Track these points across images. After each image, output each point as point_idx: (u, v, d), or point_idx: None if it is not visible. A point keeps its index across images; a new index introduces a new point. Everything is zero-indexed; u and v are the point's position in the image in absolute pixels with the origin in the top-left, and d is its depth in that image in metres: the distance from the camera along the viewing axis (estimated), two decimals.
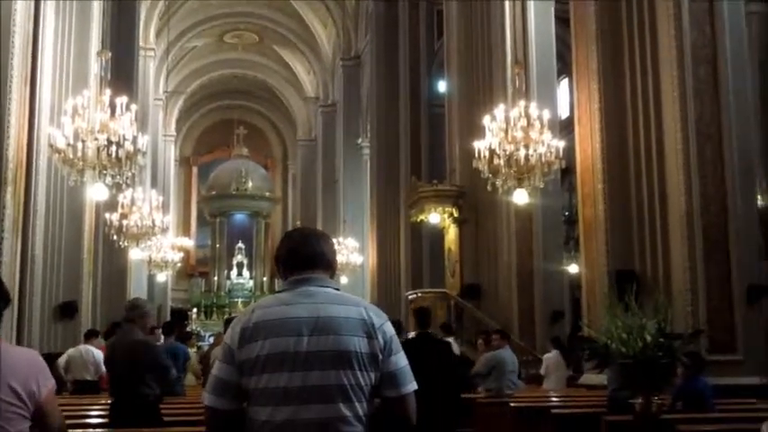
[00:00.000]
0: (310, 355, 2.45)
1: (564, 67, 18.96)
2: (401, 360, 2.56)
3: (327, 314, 2.51)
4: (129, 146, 11.32)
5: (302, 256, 2.66)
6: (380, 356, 2.51)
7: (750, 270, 10.74)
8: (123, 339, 5.97)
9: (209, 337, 26.04)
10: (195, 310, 32.39)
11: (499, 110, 12.18)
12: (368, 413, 2.50)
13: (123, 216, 18.10)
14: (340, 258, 25.61)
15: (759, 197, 14.39)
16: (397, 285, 22.10)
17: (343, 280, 26.36)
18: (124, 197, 17.75)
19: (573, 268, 19.43)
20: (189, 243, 33.21)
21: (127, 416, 5.77)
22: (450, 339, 12.80)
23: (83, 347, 11.28)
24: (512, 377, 9.58)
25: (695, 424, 5.21)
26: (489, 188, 12.71)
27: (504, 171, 11.94)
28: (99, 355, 10.99)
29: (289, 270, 2.68)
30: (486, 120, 12.19)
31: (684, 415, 5.53)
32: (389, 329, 2.59)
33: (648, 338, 4.68)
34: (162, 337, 11.98)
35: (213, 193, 36.55)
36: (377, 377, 2.52)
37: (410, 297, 18.64)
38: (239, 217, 36.49)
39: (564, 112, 19.73)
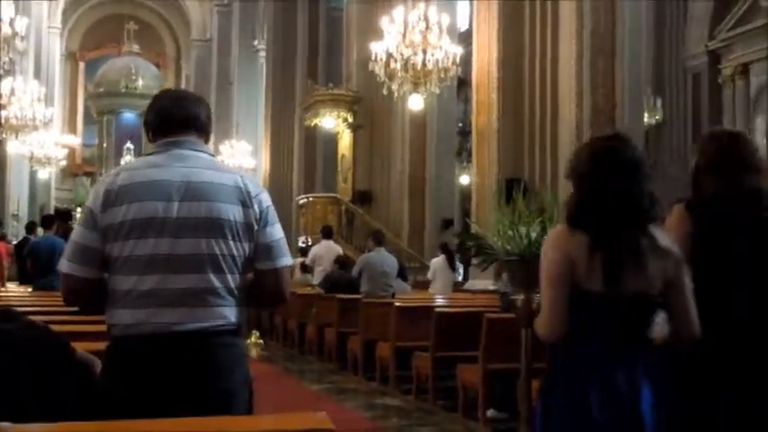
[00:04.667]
0: (180, 221, 2.29)
1: None
2: (277, 232, 2.44)
3: (200, 179, 2.34)
4: (5, 28, 10.64)
5: (174, 118, 2.44)
6: (255, 227, 2.37)
7: None
8: None
9: None
10: (80, 209, 31.47)
11: (398, 12, 11.96)
12: (240, 286, 2.37)
13: (1, 106, 17.21)
14: (233, 161, 25.16)
15: (645, 114, 14.77)
16: (289, 190, 21.91)
17: None
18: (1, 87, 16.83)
19: (464, 180, 19.65)
20: (74, 141, 32.00)
21: None
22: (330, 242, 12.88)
23: None
24: (386, 279, 9.65)
25: None
26: (385, 92, 12.58)
27: (400, 75, 11.80)
28: None
29: (160, 133, 2.46)
30: (384, 22, 11.97)
31: None
32: (266, 199, 2.45)
33: (533, 235, 4.69)
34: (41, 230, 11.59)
35: (101, 90, 35.15)
36: (251, 248, 2.38)
37: (301, 202, 18.55)
38: (128, 116, 35.23)
39: (464, 25, 19.63)
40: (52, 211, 28.82)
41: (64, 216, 28.88)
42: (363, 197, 17.84)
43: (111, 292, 2.33)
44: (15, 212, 23.73)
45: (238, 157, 24.96)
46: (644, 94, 13.07)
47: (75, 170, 35.15)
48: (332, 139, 19.61)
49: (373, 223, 16.86)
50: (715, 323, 2.50)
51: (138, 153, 33.22)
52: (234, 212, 2.33)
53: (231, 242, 2.32)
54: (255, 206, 2.38)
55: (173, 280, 2.26)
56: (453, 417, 6.50)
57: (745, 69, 17.74)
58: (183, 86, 34.88)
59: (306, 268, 13.57)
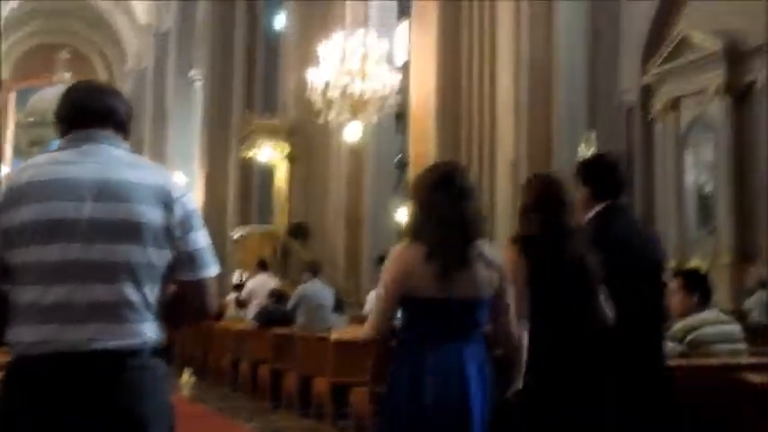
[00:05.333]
0: (93, 224, 2.02)
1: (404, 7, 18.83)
2: (201, 239, 2.17)
3: (117, 177, 2.07)
4: None
5: (88, 110, 2.17)
6: (176, 233, 2.11)
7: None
8: None
9: None
10: None
11: (336, 39, 11.87)
12: (159, 299, 2.11)
13: None
14: None
15: (582, 146, 14.87)
16: (224, 223, 21.53)
17: None
18: None
19: (402, 214, 19.54)
20: (3, 172, 31.13)
21: None
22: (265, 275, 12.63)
23: None
24: (323, 313, 9.42)
25: None
26: (322, 121, 12.45)
27: (338, 103, 11.69)
28: None
29: (73, 128, 2.18)
30: (321, 49, 11.86)
31: None
32: (190, 202, 2.17)
33: None
34: None
35: (31, 120, 34.32)
36: (172, 256, 2.12)
37: (236, 236, 18.21)
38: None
39: (402, 59, 19.68)
40: None
41: None
42: (299, 231, 17.60)
43: (12, 305, 2.04)
44: None
45: None
46: (579, 127, 13.17)
47: None
48: (268, 171, 19.36)
49: (309, 258, 16.62)
50: (546, 340, 3.00)
51: None
52: (154, 215, 2.08)
53: (150, 249, 2.07)
54: (178, 209, 2.12)
55: (82, 291, 1.99)
56: None
57: (675, 104, 18.07)
58: None
59: (240, 303, 13.24)
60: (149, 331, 2.08)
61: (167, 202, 2.10)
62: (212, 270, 2.19)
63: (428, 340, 2.77)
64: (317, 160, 17.37)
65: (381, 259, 4.04)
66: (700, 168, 17.91)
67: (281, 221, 18.23)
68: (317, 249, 16.99)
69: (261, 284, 12.39)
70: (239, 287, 14.99)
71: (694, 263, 17.18)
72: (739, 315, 13.93)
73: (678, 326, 4.59)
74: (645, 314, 3.26)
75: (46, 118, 33.68)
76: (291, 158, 17.81)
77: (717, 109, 16.95)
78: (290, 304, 9.74)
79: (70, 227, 2.01)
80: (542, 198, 3.19)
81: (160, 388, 2.11)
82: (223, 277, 20.51)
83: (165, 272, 2.11)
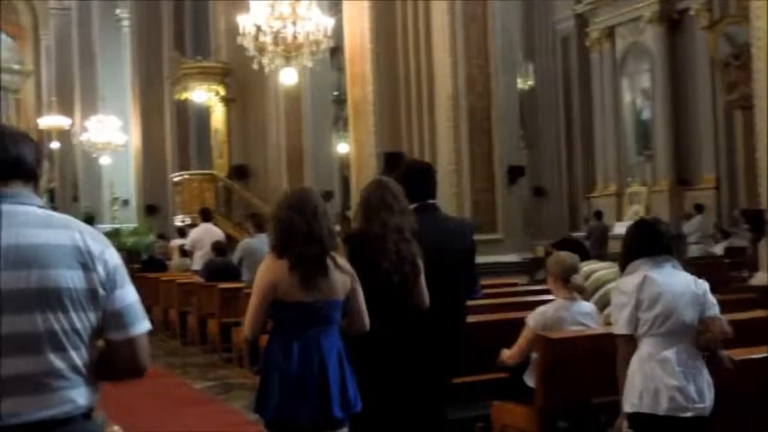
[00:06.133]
0: (6, 294, 1.89)
1: None
2: (128, 295, 2.06)
3: (29, 241, 1.94)
4: None
5: None
6: (102, 292, 2.00)
7: (509, 151, 11.10)
8: None
9: None
10: None
11: None
12: (87, 362, 2.01)
13: None
14: (100, 137, 24.09)
15: (519, 80, 14.87)
16: (163, 167, 21.15)
17: (106, 160, 25.00)
18: None
19: (342, 148, 19.44)
20: None
21: None
22: (209, 224, 12.46)
23: None
24: None
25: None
26: (256, 67, 12.17)
27: (270, 49, 11.41)
28: None
29: None
30: None
31: None
32: (113, 258, 2.06)
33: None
34: None
35: None
36: (98, 318, 2.01)
37: (176, 179, 17.93)
38: None
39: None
40: None
41: None
42: (240, 172, 17.39)
43: None
44: None
45: (107, 133, 23.94)
46: (516, 60, 13.11)
47: None
48: (204, 114, 18.99)
49: (252, 199, 16.48)
50: (374, 323, 3.52)
51: None
52: (73, 278, 1.96)
53: (73, 314, 1.95)
54: (100, 267, 2.00)
55: (4, 366, 1.89)
56: None
57: (611, 32, 18.12)
58: (42, 59, 33.27)
59: (185, 253, 13.12)
60: (80, 397, 1.98)
61: (87, 262, 1.99)
62: (143, 326, 2.08)
63: (293, 331, 3.38)
64: (253, 101, 17.08)
65: (326, 195, 4.20)
66: (637, 95, 18.13)
67: (220, 164, 17.98)
68: (259, 190, 16.85)
69: (205, 234, 12.26)
70: (183, 232, 14.86)
71: (633, 188, 17.56)
72: (679, 238, 14.33)
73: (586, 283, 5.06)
74: (449, 296, 3.85)
75: None
76: (227, 100, 17.47)
77: (651, 37, 17.09)
78: (235, 257, 9.66)
79: None
80: (363, 201, 3.75)
81: None
82: (165, 222, 20.36)
83: (92, 333, 2.02)
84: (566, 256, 4.65)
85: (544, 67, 19.28)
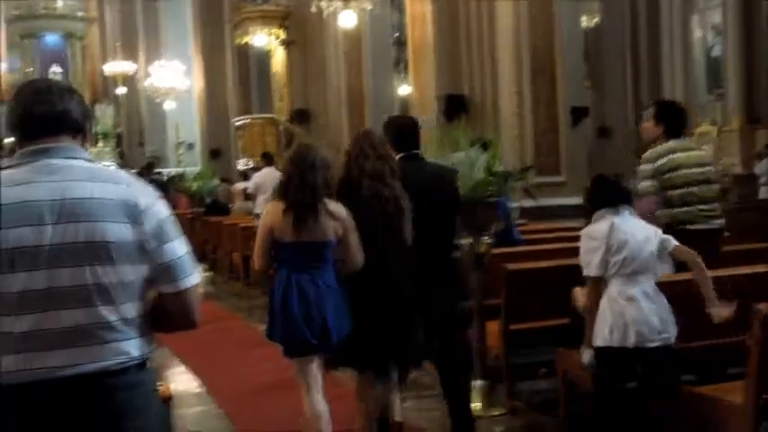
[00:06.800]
0: (56, 249, 1.90)
1: None
2: (178, 248, 2.06)
3: (77, 195, 1.94)
4: None
5: (38, 119, 2.01)
6: (150, 245, 2.00)
7: (573, 92, 10.87)
8: None
9: None
10: (8, 140, 30.34)
11: None
12: (140, 313, 2.03)
13: None
14: (165, 83, 24.29)
15: (584, 18, 14.48)
16: (225, 111, 21.29)
17: (170, 105, 25.25)
18: None
19: (403, 90, 19.27)
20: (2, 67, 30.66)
21: None
22: (272, 169, 12.49)
23: None
24: None
25: (520, 261, 5.21)
26: (314, 9, 12.07)
27: None
28: None
29: (25, 138, 2.02)
30: None
31: (507, 249, 5.57)
32: (161, 211, 2.04)
33: (479, 176, 4.48)
34: None
35: (17, 12, 33.55)
36: (148, 270, 2.01)
37: (238, 124, 18.04)
38: (51, 39, 33.68)
39: None
40: None
41: None
42: (301, 115, 17.42)
43: None
44: None
45: (171, 77, 24.12)
46: None
47: (1, 97, 33.85)
48: (264, 57, 18.99)
49: (314, 143, 16.48)
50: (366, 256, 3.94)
51: (65, 77, 32.04)
52: (122, 231, 1.96)
53: (122, 267, 1.96)
54: (148, 221, 2.00)
55: (54, 318, 1.91)
56: None
57: None
58: (106, 5, 33.52)
59: (248, 196, 13.23)
60: (133, 348, 2.01)
61: (135, 215, 1.99)
62: (193, 279, 2.09)
63: (292, 269, 3.81)
64: (313, 44, 17.00)
65: None
66: (707, 31, 17.51)
67: (281, 107, 18.01)
68: (320, 133, 16.87)
69: (267, 178, 12.30)
70: (246, 176, 14.98)
71: (703, 128, 17.07)
72: (750, 178, 13.94)
73: (647, 154, 5.13)
74: (435, 234, 4.25)
75: (33, 10, 32.99)
76: (287, 44, 17.41)
77: None
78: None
79: (32, 254, 1.89)
80: (349, 151, 4.12)
81: (152, 403, 2.06)
82: (228, 166, 20.55)
83: (143, 285, 2.02)
84: None
85: (610, 3, 18.72)
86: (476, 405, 4.94)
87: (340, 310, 3.84)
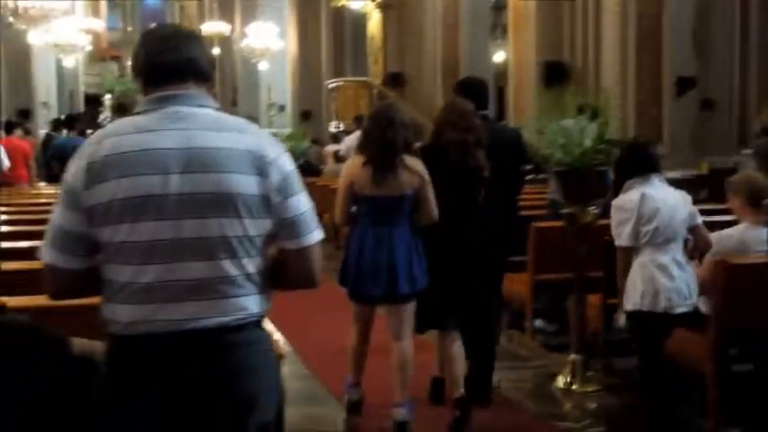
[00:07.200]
0: (183, 198, 1.85)
1: None
2: (302, 203, 1.99)
3: (204, 144, 1.88)
4: None
5: (165, 65, 1.95)
6: (275, 199, 1.93)
7: (680, 62, 10.47)
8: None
9: None
10: (109, 96, 31.07)
11: None
12: (261, 269, 1.95)
13: None
14: (259, 44, 24.44)
15: None
16: (318, 73, 21.31)
17: (264, 66, 25.41)
18: None
19: (498, 56, 18.92)
20: (99, 25, 31.32)
21: None
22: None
23: None
24: None
25: None
26: None
27: None
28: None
29: (150, 83, 1.97)
30: None
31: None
32: (287, 164, 1.98)
33: (588, 144, 4.31)
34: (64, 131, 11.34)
35: None
36: (271, 225, 1.95)
37: (331, 86, 18.02)
38: None
39: None
40: (82, 97, 28.68)
41: (93, 101, 28.65)
42: (395, 79, 17.25)
43: (106, 281, 1.92)
44: (45, 101, 23.41)
45: (265, 39, 24.25)
46: None
47: (102, 55, 34.69)
48: (359, 21, 18.87)
49: (405, 107, 16.36)
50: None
51: None
52: (248, 184, 1.89)
53: (246, 220, 1.90)
54: (274, 173, 1.93)
55: (179, 269, 1.86)
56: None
57: None
58: None
59: (339, 158, 13.23)
60: (253, 304, 1.94)
61: (262, 167, 1.92)
62: (315, 235, 2.01)
63: (370, 222, 4.06)
64: (409, 7, 16.80)
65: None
66: None
67: (375, 72, 17.90)
68: (413, 98, 16.71)
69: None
70: (337, 138, 14.99)
71: None
72: None
73: None
74: (505, 191, 4.60)
75: None
76: (384, 7, 17.24)
77: None
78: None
79: (158, 203, 1.84)
80: (438, 119, 4.35)
81: (267, 362, 2.00)
82: (320, 128, 20.62)
83: (265, 241, 1.96)
84: (756, 176, 4.32)
85: None
86: (568, 379, 4.82)
87: (414, 262, 4.04)
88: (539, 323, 5.89)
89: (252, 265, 1.93)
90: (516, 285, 5.79)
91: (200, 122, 1.92)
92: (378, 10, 17.46)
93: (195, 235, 1.86)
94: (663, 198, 3.95)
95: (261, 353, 1.97)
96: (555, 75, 10.94)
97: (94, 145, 1.90)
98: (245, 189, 1.89)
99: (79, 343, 2.11)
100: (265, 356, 1.99)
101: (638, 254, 3.96)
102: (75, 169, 1.89)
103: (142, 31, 2.13)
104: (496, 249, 4.55)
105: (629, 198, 3.96)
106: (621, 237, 3.96)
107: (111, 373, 1.92)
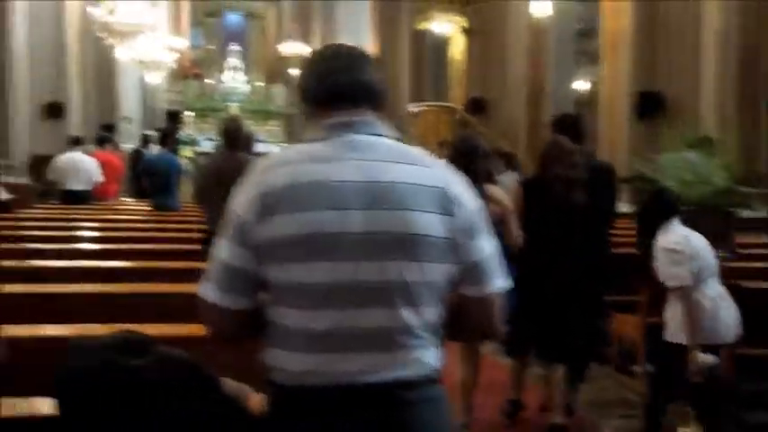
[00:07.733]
0: (364, 237, 1.65)
1: None
2: (486, 245, 1.77)
3: (387, 178, 1.68)
4: None
5: (342, 89, 1.76)
6: (461, 241, 1.72)
7: None
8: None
9: (204, 140, 25.43)
10: (187, 112, 31.56)
11: None
12: (440, 317, 1.76)
13: (109, 11, 16.89)
14: None
15: None
16: (396, 97, 21.25)
17: None
18: None
19: (580, 84, 18.65)
20: (182, 43, 31.90)
21: None
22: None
23: (77, 155, 10.64)
24: None
25: (756, 279, 4.79)
26: None
27: None
28: (92, 163, 10.48)
29: (321, 108, 1.78)
30: None
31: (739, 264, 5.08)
32: (471, 200, 1.77)
33: (720, 183, 4.10)
34: (153, 147, 11.44)
35: None
36: (455, 269, 1.74)
37: (414, 110, 17.93)
38: (232, 18, 35.03)
39: None
40: (164, 113, 29.17)
41: (173, 116, 29.10)
42: (477, 105, 17.11)
43: (271, 324, 1.75)
44: (128, 116, 23.87)
45: None
46: None
47: (185, 72, 35.28)
48: (441, 44, 18.79)
49: (488, 133, 16.20)
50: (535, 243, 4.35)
51: (244, 57, 33.17)
52: (433, 223, 1.68)
53: (429, 264, 1.69)
54: (461, 212, 1.72)
55: (357, 317, 1.67)
56: (606, 370, 5.90)
57: None
58: None
59: None
60: (431, 359, 1.75)
61: (446, 205, 1.71)
62: (500, 282, 1.80)
63: None
64: (494, 33, 16.66)
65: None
66: None
67: (457, 96, 17.78)
68: (495, 124, 16.53)
69: None
70: None
71: None
72: None
73: None
74: (598, 231, 4.66)
75: None
76: (468, 32, 17.14)
77: None
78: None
79: (335, 242, 1.65)
80: (541, 154, 4.51)
81: (441, 422, 1.78)
82: None
83: (447, 287, 1.76)
84: None
85: None
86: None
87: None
88: (649, 367, 5.62)
89: (432, 315, 1.74)
90: (626, 327, 5.54)
91: (380, 153, 1.73)
92: (462, 34, 17.36)
93: (376, 278, 1.67)
94: (696, 238, 4.07)
95: (437, 412, 1.77)
96: (649, 105, 10.67)
97: (266, 174, 1.72)
98: (429, 229, 1.69)
99: (229, 384, 2.02)
100: (440, 414, 1.78)
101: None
102: (245, 200, 1.71)
103: (312, 51, 1.98)
104: (592, 283, 4.53)
105: (674, 240, 4.01)
106: (680, 277, 3.95)
107: (274, 425, 1.76)
